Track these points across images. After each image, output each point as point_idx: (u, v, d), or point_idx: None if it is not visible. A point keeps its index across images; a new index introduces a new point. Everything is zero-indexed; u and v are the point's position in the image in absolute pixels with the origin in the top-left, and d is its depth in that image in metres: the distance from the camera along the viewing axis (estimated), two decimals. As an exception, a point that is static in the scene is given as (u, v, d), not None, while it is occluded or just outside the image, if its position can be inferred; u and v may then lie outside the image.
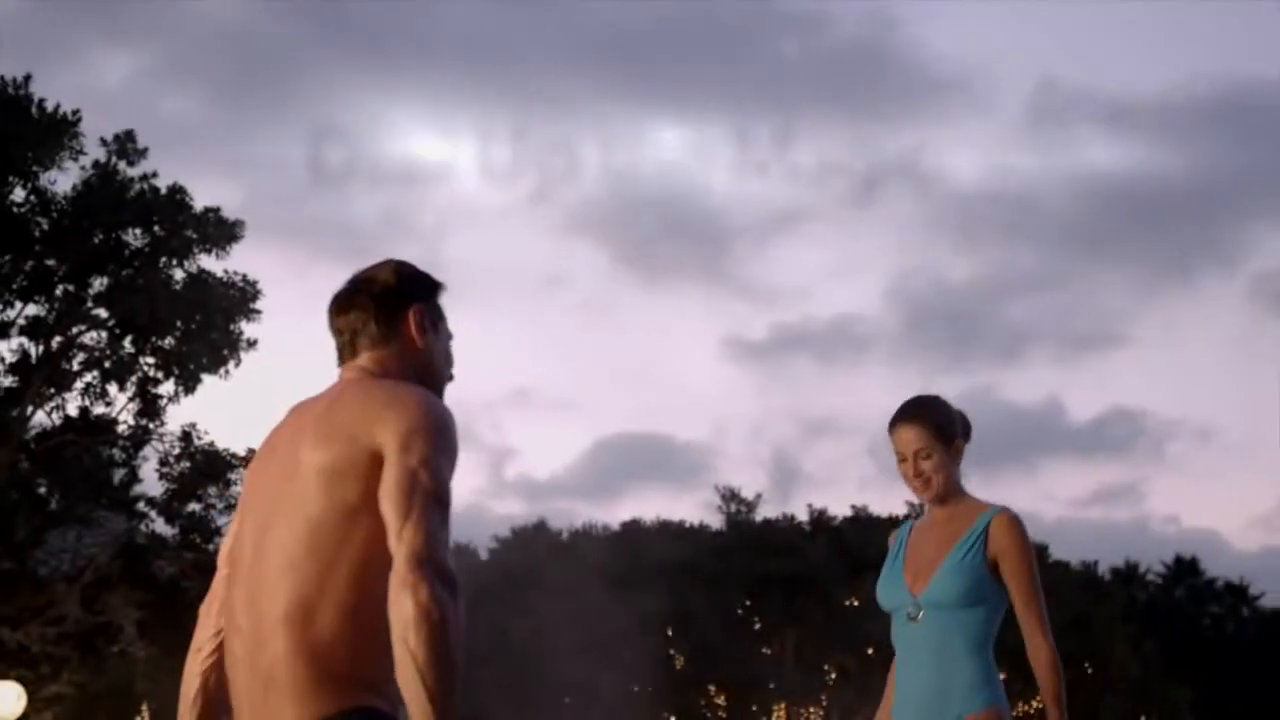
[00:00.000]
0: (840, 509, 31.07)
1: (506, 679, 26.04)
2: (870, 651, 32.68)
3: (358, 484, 2.44)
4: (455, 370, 2.85)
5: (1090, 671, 26.12)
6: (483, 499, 66.37)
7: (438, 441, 2.45)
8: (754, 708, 34.97)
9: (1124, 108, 64.01)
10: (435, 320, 2.79)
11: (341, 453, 2.46)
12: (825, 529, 30.46)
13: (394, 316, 2.72)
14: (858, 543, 32.99)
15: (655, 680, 34.70)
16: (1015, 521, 3.67)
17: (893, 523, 28.67)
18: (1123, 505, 70.80)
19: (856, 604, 33.10)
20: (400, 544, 2.33)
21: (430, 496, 2.39)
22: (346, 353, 2.74)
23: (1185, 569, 58.06)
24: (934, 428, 3.76)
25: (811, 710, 35.67)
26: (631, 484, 71.56)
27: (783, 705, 34.73)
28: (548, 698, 26.27)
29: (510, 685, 25.93)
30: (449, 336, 2.82)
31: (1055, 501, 75.83)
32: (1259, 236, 72.41)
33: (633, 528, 35.52)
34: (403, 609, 2.27)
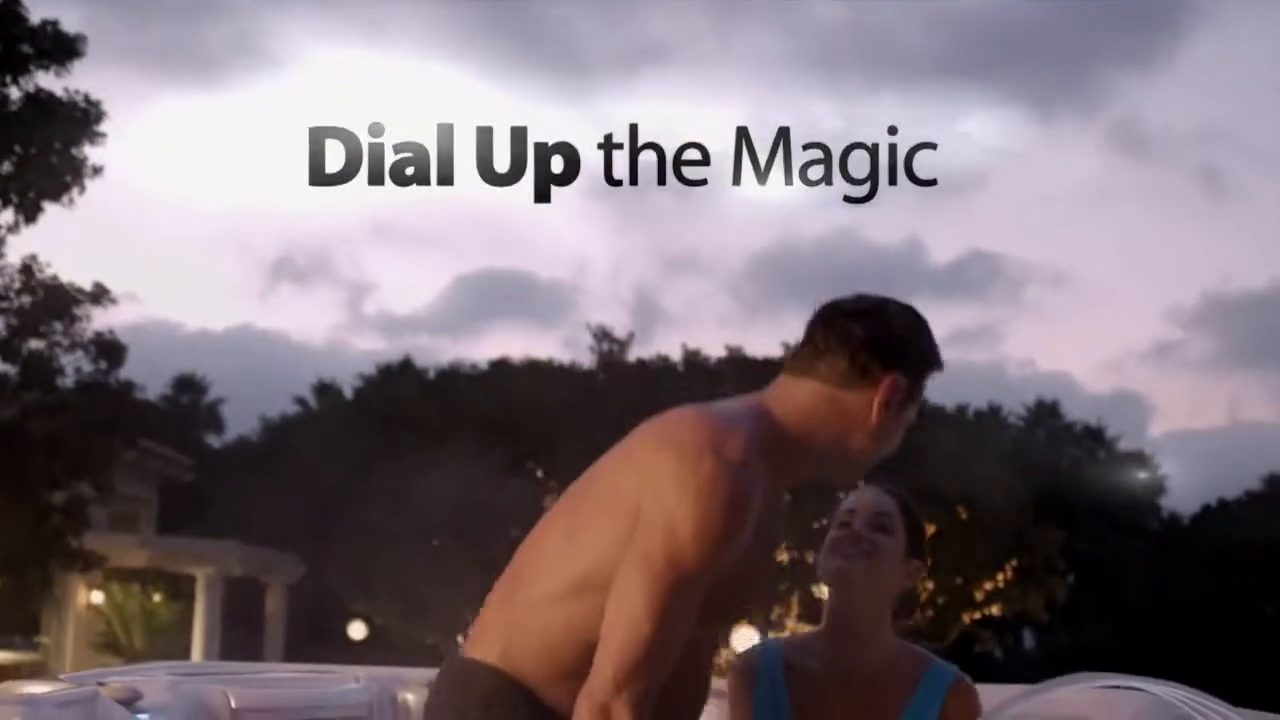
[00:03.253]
0: (713, 349, 30.58)
1: (373, 521, 25.44)
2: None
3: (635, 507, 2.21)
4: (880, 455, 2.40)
5: (965, 517, 26.18)
6: (343, 334, 65.07)
7: (703, 523, 2.14)
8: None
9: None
10: (906, 402, 2.34)
11: (638, 470, 2.23)
12: (701, 369, 29.89)
13: (872, 370, 2.30)
14: (735, 382, 32.69)
15: (527, 524, 34.29)
16: (975, 692, 2.66)
17: (771, 366, 28.11)
18: (980, 347, 71.88)
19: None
20: (604, 644, 2.18)
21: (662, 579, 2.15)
22: (801, 361, 2.33)
23: (1046, 412, 59.17)
24: (913, 523, 2.74)
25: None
26: (494, 322, 70.66)
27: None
28: (417, 539, 25.70)
29: (377, 527, 25.36)
30: (906, 423, 2.36)
31: (915, 343, 76.87)
32: (1119, 81, 72.84)
33: (502, 367, 34.55)
34: None
